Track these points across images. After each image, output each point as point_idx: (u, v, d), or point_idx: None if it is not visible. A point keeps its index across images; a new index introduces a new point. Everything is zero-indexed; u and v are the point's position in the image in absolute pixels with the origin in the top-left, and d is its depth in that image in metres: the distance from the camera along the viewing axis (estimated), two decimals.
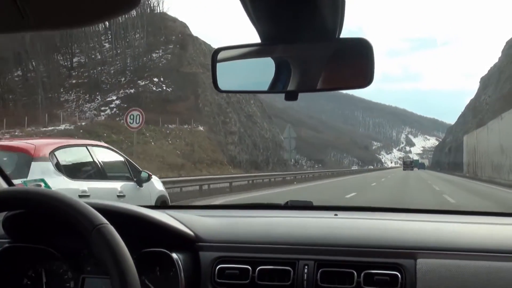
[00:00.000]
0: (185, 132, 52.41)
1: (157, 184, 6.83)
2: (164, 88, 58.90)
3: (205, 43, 71.89)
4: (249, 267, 1.32)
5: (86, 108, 55.88)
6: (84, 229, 0.97)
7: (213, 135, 56.05)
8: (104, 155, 5.94)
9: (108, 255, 0.94)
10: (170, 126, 51.85)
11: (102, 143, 6.57)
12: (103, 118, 51.85)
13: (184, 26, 71.03)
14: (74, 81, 61.21)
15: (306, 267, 1.30)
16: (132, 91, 57.08)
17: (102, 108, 55.08)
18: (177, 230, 1.37)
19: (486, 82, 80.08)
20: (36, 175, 4.63)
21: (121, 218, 1.20)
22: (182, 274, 1.27)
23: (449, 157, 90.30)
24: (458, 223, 1.56)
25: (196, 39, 69.46)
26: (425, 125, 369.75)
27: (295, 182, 26.72)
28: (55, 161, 5.02)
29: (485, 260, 1.26)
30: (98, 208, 1.03)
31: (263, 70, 1.02)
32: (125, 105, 54.75)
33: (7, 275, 1.32)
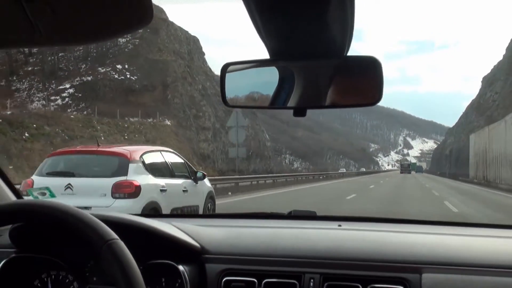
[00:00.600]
0: (148, 126, 45.37)
1: (206, 181, 8.20)
2: (128, 76, 51.62)
3: (181, 29, 64.41)
4: (255, 280, 1.34)
5: (36, 98, 48.53)
6: (94, 243, 0.97)
7: (182, 130, 49.07)
8: (171, 158, 7.48)
9: (118, 271, 0.94)
10: (131, 119, 44.86)
11: (169, 149, 7.90)
12: (52, 108, 44.40)
13: (160, 11, 63.42)
14: (30, 68, 53.66)
15: (312, 280, 1.31)
16: (89, 78, 49.64)
17: (52, 98, 47.68)
18: (183, 242, 1.38)
19: (490, 79, 76.43)
20: (132, 173, 6.23)
21: (129, 231, 1.22)
22: (188, 286, 1.30)
23: (450, 159, 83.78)
24: (464, 236, 1.55)
25: (171, 24, 61.93)
26: (423, 127, 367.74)
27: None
28: (143, 162, 6.56)
29: (493, 275, 1.24)
30: (106, 220, 1.03)
31: (271, 86, 1.03)
32: (80, 95, 47.87)
33: (14, 285, 1.35)
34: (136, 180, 6.22)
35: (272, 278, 1.32)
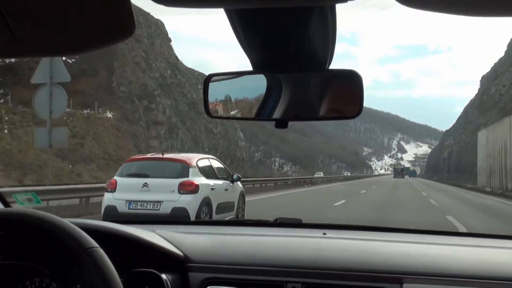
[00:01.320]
0: (80, 118, 36.43)
1: (239, 183, 9.78)
2: (64, 58, 42.61)
3: (142, 10, 55.32)
4: None
5: None
6: (75, 252, 0.99)
7: (126, 124, 40.16)
8: (215, 163, 9.26)
9: (97, 280, 0.96)
10: None
11: (214, 157, 9.72)
12: None
13: None
14: None
15: None
16: (12, 60, 40.53)
17: None
18: (166, 250, 1.38)
19: (492, 76, 71.25)
20: (192, 175, 8.01)
21: (111, 239, 1.24)
22: None
23: (449, 163, 75.39)
24: (446, 245, 1.55)
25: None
26: (417, 131, 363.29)
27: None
28: (198, 167, 8.36)
29: (473, 286, 1.25)
30: (87, 229, 1.05)
31: (254, 98, 1.05)
32: None
33: None
34: (195, 180, 8.02)
35: (255, 287, 1.33)
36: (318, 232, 1.67)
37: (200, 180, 8.07)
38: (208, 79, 1.06)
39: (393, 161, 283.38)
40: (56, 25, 0.63)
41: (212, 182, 8.45)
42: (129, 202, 7.84)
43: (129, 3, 0.62)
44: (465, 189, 36.05)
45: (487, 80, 74.75)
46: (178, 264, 1.36)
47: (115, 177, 8.17)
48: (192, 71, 56.84)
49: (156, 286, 1.27)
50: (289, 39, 0.88)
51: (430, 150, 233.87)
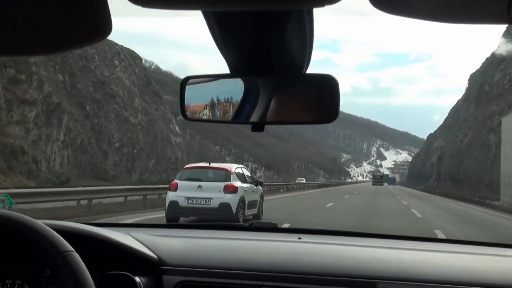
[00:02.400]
0: None
1: (260, 186, 12.24)
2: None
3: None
4: None
5: None
6: (49, 255, 0.99)
7: None
8: (245, 171, 12.03)
9: (71, 284, 0.96)
10: None
11: (243, 166, 12.91)
12: None
13: None
14: None
15: None
16: None
17: None
18: (140, 253, 1.38)
19: (494, 60, 61.15)
20: (233, 179, 10.54)
21: (84, 240, 1.25)
22: None
23: (438, 168, 62.90)
24: (420, 250, 1.57)
25: None
26: (397, 138, 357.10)
27: None
28: (236, 174, 10.96)
29: None
30: (61, 230, 1.05)
31: (230, 101, 1.05)
32: None
33: None
34: (235, 184, 10.57)
35: None
36: (293, 237, 1.68)
37: (238, 183, 10.72)
38: (185, 81, 1.06)
39: (372, 168, 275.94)
40: (32, 26, 0.63)
41: (244, 185, 11.01)
42: (187, 198, 10.36)
43: (106, 3, 0.62)
44: (487, 207, 22.86)
45: (481, 74, 65.72)
46: (152, 267, 1.35)
47: (176, 180, 10.85)
48: (112, 44, 42.82)
49: None
50: (266, 42, 0.88)
51: (410, 157, 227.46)
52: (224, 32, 0.84)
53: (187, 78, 1.06)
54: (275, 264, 1.38)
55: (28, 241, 1.01)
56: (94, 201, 13.66)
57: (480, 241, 1.76)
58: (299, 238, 1.65)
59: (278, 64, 0.96)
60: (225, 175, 10.65)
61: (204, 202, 10.21)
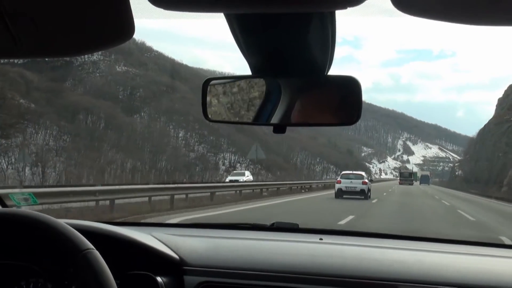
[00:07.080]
0: None
1: (371, 182, 27.96)
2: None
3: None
4: None
5: None
6: (70, 253, 1.01)
7: None
8: (364, 173, 27.17)
9: (92, 281, 0.97)
10: None
11: (363, 172, 26.71)
12: None
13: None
14: None
15: None
16: None
17: None
18: (162, 253, 1.40)
19: None
20: (365, 179, 24.45)
21: (106, 240, 1.28)
22: None
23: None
24: (442, 252, 1.57)
25: None
26: (426, 131, 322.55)
27: None
28: (364, 175, 25.46)
29: None
30: (83, 230, 1.07)
31: (252, 102, 1.05)
32: None
33: None
34: (366, 181, 23.71)
35: None
36: (315, 237, 1.68)
37: (367, 180, 23.56)
38: (207, 83, 1.07)
39: (398, 164, 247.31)
40: (56, 28, 0.63)
41: (368, 182, 23.34)
42: (346, 187, 22.47)
43: (129, 5, 0.61)
44: None
45: None
46: (173, 267, 1.37)
47: (339, 178, 23.71)
48: None
49: None
50: (288, 44, 0.89)
51: (441, 152, 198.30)
52: (246, 34, 0.85)
53: (209, 80, 1.07)
54: (295, 265, 1.39)
55: (50, 240, 1.01)
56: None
57: (505, 244, 1.64)
58: (321, 239, 1.65)
59: (300, 65, 0.95)
60: (362, 176, 23.63)
61: (353, 189, 22.32)
